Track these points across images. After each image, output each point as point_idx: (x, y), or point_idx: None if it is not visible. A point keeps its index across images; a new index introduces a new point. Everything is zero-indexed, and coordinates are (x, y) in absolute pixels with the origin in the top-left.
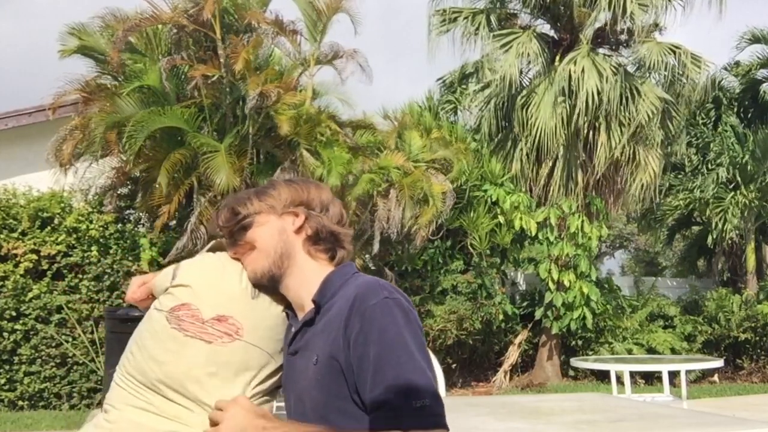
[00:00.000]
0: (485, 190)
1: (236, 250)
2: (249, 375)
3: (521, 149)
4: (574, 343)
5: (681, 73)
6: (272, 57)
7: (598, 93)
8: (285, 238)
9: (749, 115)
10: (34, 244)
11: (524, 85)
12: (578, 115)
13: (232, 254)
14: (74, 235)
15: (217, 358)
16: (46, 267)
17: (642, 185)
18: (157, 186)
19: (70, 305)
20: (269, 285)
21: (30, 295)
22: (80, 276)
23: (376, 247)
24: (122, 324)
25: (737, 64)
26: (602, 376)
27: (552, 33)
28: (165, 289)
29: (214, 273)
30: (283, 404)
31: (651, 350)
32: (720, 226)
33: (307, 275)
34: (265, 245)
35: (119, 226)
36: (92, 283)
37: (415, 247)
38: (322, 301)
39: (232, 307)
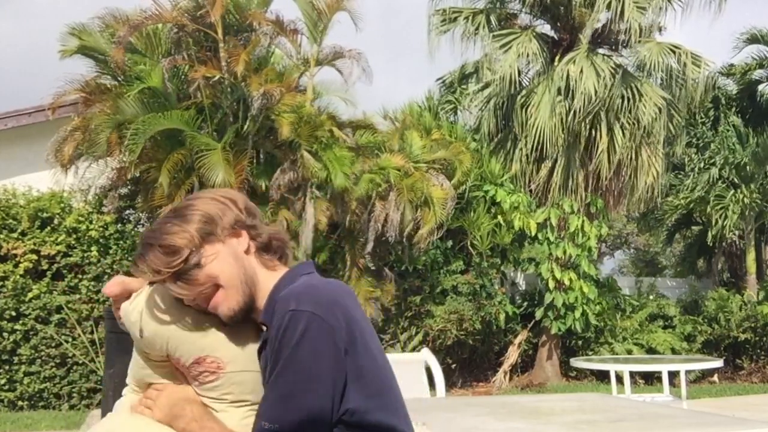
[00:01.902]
0: (485, 191)
1: (195, 294)
2: (250, 398)
3: (521, 149)
4: (574, 343)
5: (681, 73)
6: (272, 57)
7: (596, 93)
8: (242, 263)
9: (748, 116)
10: (34, 244)
11: (524, 85)
12: (577, 115)
13: (191, 303)
14: (74, 236)
15: (208, 394)
16: (45, 267)
17: (645, 186)
18: (158, 186)
19: (69, 305)
20: (244, 317)
21: (30, 295)
22: (80, 276)
23: (369, 246)
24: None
25: (732, 66)
26: (602, 376)
27: (552, 33)
28: (137, 336)
29: (178, 314)
30: None
31: (651, 350)
32: (720, 223)
33: (265, 294)
34: (230, 279)
35: (119, 226)
36: (92, 283)
37: (419, 250)
38: (267, 319)
39: (206, 345)
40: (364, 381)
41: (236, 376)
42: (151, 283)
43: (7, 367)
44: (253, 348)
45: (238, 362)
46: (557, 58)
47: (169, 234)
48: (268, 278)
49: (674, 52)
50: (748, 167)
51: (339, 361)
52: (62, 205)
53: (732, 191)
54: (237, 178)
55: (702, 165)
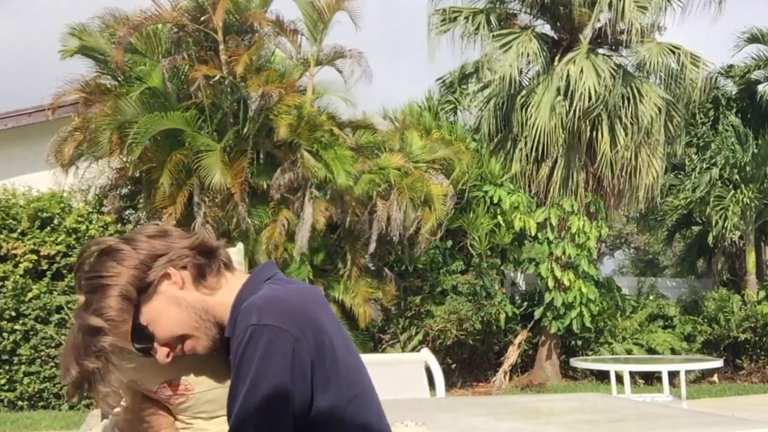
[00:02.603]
0: (485, 191)
1: (166, 354)
2: (225, 411)
3: (521, 149)
4: (573, 343)
5: (680, 73)
6: (273, 57)
7: (596, 93)
8: (187, 303)
9: (748, 117)
10: (34, 244)
11: (524, 85)
12: (577, 115)
13: (165, 362)
14: (74, 236)
15: (181, 415)
16: (45, 267)
17: (645, 186)
18: (159, 186)
19: (69, 305)
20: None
21: (30, 295)
22: None
23: (371, 247)
24: None
25: (731, 67)
26: (602, 376)
27: (552, 33)
28: None
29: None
30: None
31: (651, 350)
32: (720, 224)
33: (228, 309)
34: (187, 327)
35: (119, 226)
36: None
37: (420, 251)
38: (230, 333)
39: (171, 373)
40: (335, 389)
41: (207, 395)
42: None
43: (7, 367)
44: (218, 362)
45: (206, 382)
46: (557, 58)
47: (104, 310)
48: (223, 297)
49: (674, 53)
50: (748, 167)
51: (305, 373)
52: (62, 205)
53: (732, 192)
54: (236, 179)
55: (703, 165)
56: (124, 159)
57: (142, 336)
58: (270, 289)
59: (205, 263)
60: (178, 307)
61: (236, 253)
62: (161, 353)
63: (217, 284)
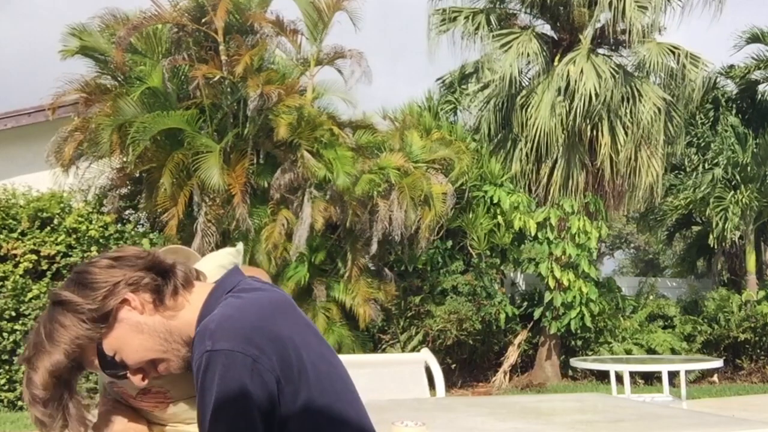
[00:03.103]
0: (485, 191)
1: (140, 379)
2: None
3: (521, 149)
4: (573, 343)
5: (680, 73)
6: (274, 58)
7: (597, 94)
8: (149, 328)
9: (747, 117)
10: (34, 244)
11: (524, 85)
12: (577, 115)
13: (144, 385)
14: (74, 236)
15: (160, 420)
16: (45, 267)
17: (645, 186)
18: (161, 187)
19: None
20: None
21: (30, 295)
22: None
23: (374, 247)
24: None
25: (732, 67)
26: (602, 377)
27: (552, 33)
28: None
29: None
30: None
31: (650, 350)
32: (721, 225)
33: (193, 327)
34: (153, 351)
35: (119, 226)
36: None
37: (421, 248)
38: (191, 356)
39: (148, 384)
40: (307, 401)
41: (186, 403)
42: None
43: (7, 367)
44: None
45: (184, 388)
46: (557, 58)
47: (78, 341)
48: (187, 315)
49: (674, 53)
50: (749, 168)
51: (269, 393)
52: (62, 205)
53: (732, 192)
54: (238, 180)
55: (705, 165)
56: (125, 159)
57: (113, 364)
58: (226, 306)
59: (162, 284)
60: (140, 334)
61: (235, 254)
62: (135, 379)
63: (177, 304)
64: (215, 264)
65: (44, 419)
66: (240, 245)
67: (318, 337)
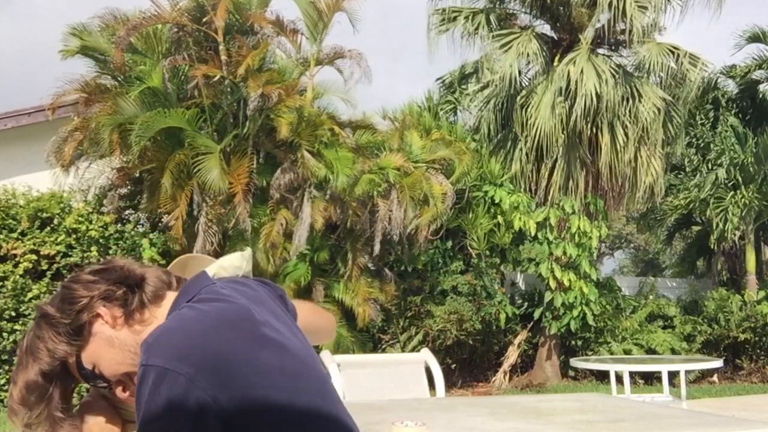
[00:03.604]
0: (485, 191)
1: (122, 391)
2: None
3: (521, 149)
4: (573, 343)
5: (680, 73)
6: (273, 58)
7: (597, 94)
8: (120, 342)
9: (747, 117)
10: (34, 244)
11: (524, 85)
12: (577, 115)
13: (125, 397)
14: (74, 236)
15: None
16: (45, 267)
17: (645, 186)
18: (161, 187)
19: None
20: None
21: (29, 295)
22: None
23: (377, 248)
24: None
25: (733, 66)
26: (602, 377)
27: (551, 33)
28: None
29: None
30: None
31: (650, 350)
32: (721, 225)
33: None
34: (126, 365)
35: (119, 226)
36: None
37: (420, 248)
38: None
39: None
40: (257, 420)
41: None
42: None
43: (6, 367)
44: None
45: None
46: (557, 58)
47: (56, 353)
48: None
49: (673, 53)
50: (751, 168)
51: (198, 414)
52: (62, 205)
53: (732, 192)
54: (240, 180)
55: (709, 166)
56: (124, 159)
57: (93, 376)
58: (173, 319)
59: (131, 297)
60: (112, 348)
61: (240, 258)
62: (118, 391)
63: (145, 318)
64: (217, 265)
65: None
66: (248, 250)
67: (281, 350)
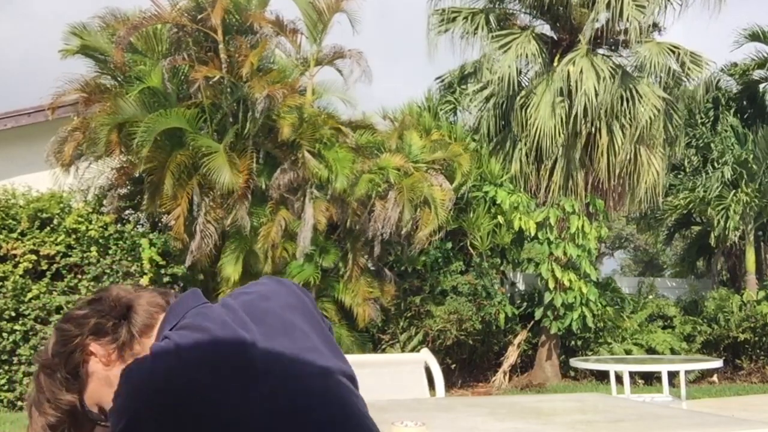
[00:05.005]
0: (485, 191)
1: None
2: None
3: (520, 149)
4: (573, 343)
5: (681, 72)
6: (273, 57)
7: (596, 94)
8: (116, 378)
9: (747, 116)
10: (34, 244)
11: (523, 85)
12: (577, 115)
13: None
14: (73, 236)
15: None
16: (45, 267)
17: (645, 186)
18: (162, 187)
19: (69, 305)
20: None
21: (29, 295)
22: (79, 276)
23: (377, 249)
24: None
25: (734, 65)
26: (602, 377)
27: (551, 33)
28: None
29: None
30: None
31: (650, 350)
32: (722, 224)
33: None
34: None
35: (119, 226)
36: (91, 283)
37: (416, 250)
38: None
39: None
40: None
41: None
42: None
43: (6, 368)
44: None
45: None
46: (557, 58)
47: (60, 399)
48: None
49: (673, 52)
50: (750, 167)
51: None
52: (62, 205)
53: (732, 191)
54: (242, 180)
55: (715, 165)
56: (124, 159)
57: (101, 417)
58: (146, 354)
59: (120, 329)
60: (110, 387)
61: None
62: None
63: (135, 352)
64: None
65: None
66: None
67: (272, 385)
